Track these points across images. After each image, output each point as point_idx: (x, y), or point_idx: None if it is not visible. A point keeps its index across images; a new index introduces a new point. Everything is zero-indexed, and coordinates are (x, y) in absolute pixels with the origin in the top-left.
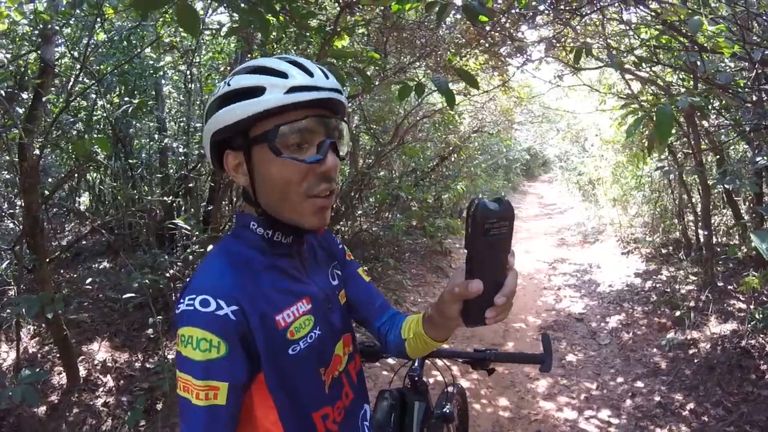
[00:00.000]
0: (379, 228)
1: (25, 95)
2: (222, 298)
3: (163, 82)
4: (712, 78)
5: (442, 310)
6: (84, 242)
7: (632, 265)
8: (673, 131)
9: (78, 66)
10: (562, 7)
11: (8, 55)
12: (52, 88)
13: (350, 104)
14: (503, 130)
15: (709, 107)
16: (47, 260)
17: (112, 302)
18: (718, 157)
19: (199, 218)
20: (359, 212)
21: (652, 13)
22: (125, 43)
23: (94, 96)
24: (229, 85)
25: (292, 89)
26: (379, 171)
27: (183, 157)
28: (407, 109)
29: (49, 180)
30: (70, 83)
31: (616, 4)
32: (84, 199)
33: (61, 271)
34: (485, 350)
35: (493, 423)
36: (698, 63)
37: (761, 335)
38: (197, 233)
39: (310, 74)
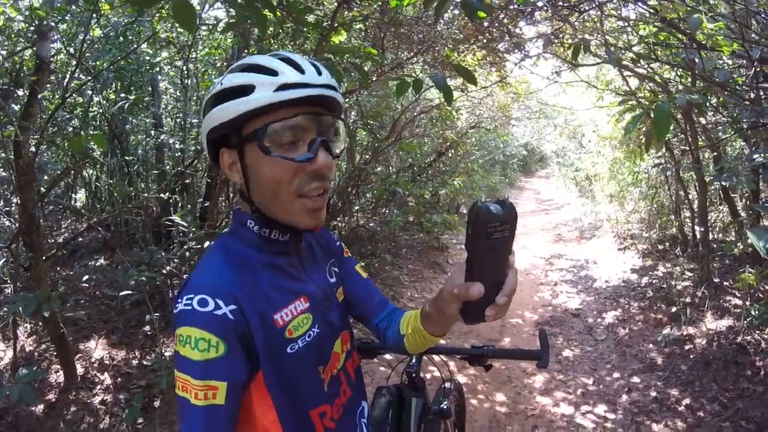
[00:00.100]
0: (376, 224)
1: (20, 92)
2: (220, 297)
3: (159, 78)
4: (710, 75)
5: (442, 309)
6: (80, 239)
7: (629, 261)
8: (671, 128)
9: (74, 62)
10: (560, 3)
11: (4, 52)
12: (48, 85)
13: (347, 100)
14: (500, 126)
15: (707, 104)
16: (43, 258)
17: (109, 299)
18: (715, 154)
19: (195, 215)
20: (356, 208)
21: (651, 10)
22: (121, 39)
23: (90, 92)
24: (222, 83)
25: (282, 87)
26: (376, 167)
27: (179, 154)
28: (404, 105)
29: (45, 177)
30: (66, 80)
31: (615, 1)
32: (80, 196)
33: (58, 268)
34: (482, 346)
35: (490, 418)
36: (696, 60)
37: (757, 332)
38: (194, 230)
39: (302, 71)
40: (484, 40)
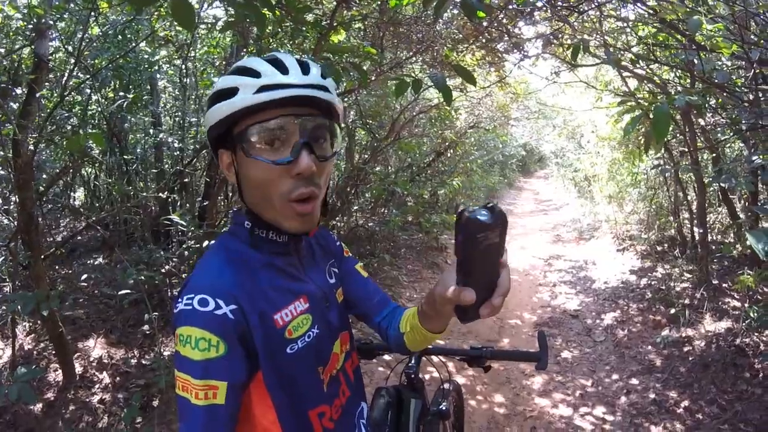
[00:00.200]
0: (374, 223)
1: (18, 90)
2: (221, 297)
3: (158, 76)
4: (710, 77)
5: (436, 309)
6: (79, 238)
7: (627, 262)
8: (670, 129)
9: (72, 60)
10: (559, 3)
11: (2, 50)
12: (47, 83)
13: (346, 99)
14: (499, 126)
15: (706, 106)
16: (42, 257)
17: (108, 298)
18: (714, 155)
19: (194, 214)
20: (355, 208)
21: (650, 11)
22: (120, 37)
23: (88, 91)
24: (215, 86)
25: (262, 88)
26: (375, 166)
27: (178, 153)
28: (403, 105)
29: (44, 176)
30: (65, 78)
31: (614, 1)
32: (79, 195)
33: (56, 267)
34: (482, 348)
35: (489, 419)
36: (695, 61)
37: (755, 334)
38: (192, 229)
39: (285, 71)
40: (483, 40)
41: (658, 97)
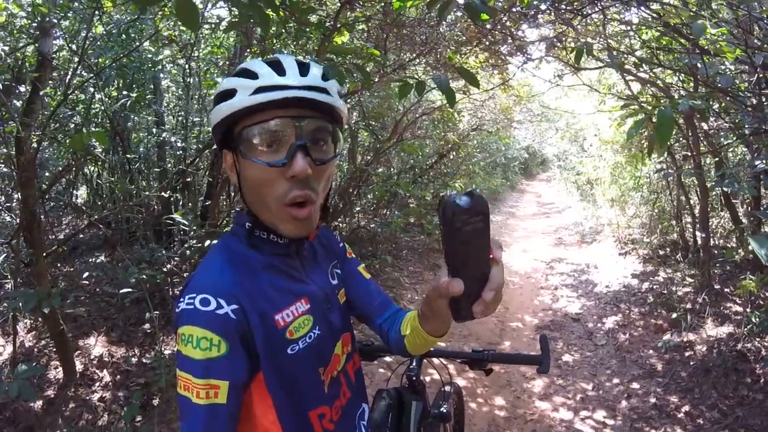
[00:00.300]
0: (376, 225)
1: (22, 88)
2: (222, 296)
3: (161, 75)
4: (713, 81)
5: (432, 308)
6: (81, 236)
7: (629, 266)
8: (673, 133)
9: (76, 59)
10: (563, 6)
11: (6, 48)
12: (50, 81)
13: (349, 101)
14: (502, 129)
15: (709, 110)
16: (44, 254)
17: (109, 297)
18: (716, 159)
19: (196, 213)
20: (357, 209)
21: (654, 15)
22: (124, 36)
23: (92, 89)
24: (219, 87)
25: (258, 90)
26: (378, 168)
27: (181, 152)
28: (406, 106)
29: (47, 174)
30: (68, 76)
31: (618, 5)
32: (81, 193)
33: (58, 265)
34: (483, 351)
35: (489, 422)
36: (699, 65)
37: (757, 339)
38: (195, 228)
39: (282, 73)
40: (487, 43)
41: (662, 101)
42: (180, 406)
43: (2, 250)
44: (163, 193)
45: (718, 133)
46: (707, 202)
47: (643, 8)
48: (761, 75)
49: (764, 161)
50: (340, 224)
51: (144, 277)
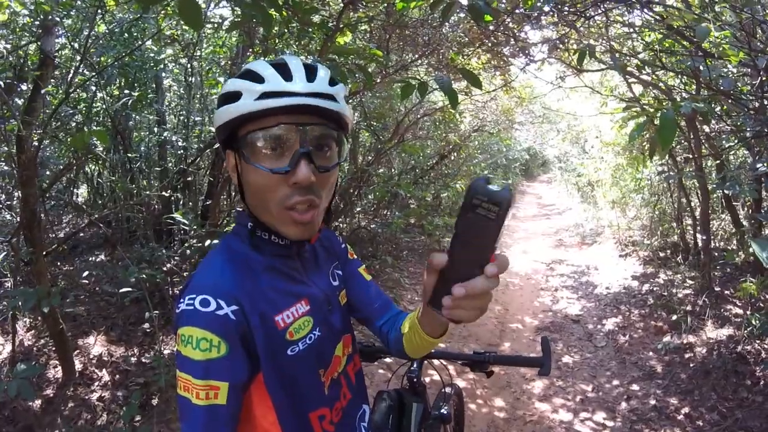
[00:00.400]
0: (377, 225)
1: (24, 86)
2: (222, 297)
3: (163, 75)
4: (715, 84)
5: (425, 289)
6: (81, 235)
7: (630, 267)
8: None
9: (78, 58)
10: (566, 8)
11: (8, 46)
12: (52, 80)
13: (351, 101)
14: (503, 130)
15: (712, 113)
16: (44, 253)
17: (109, 296)
18: (718, 162)
19: (197, 213)
20: (358, 209)
21: (657, 17)
22: (126, 35)
23: (93, 88)
24: (224, 87)
25: (263, 95)
26: (379, 168)
27: (182, 151)
28: (408, 107)
29: (47, 172)
30: (70, 75)
31: (621, 7)
32: (82, 192)
33: (58, 263)
34: (484, 353)
35: (489, 423)
36: (701, 68)
37: (757, 341)
38: (195, 228)
39: (289, 78)
40: (490, 44)
41: (664, 104)
42: (180, 406)
43: (2, 249)
44: (163, 193)
45: (720, 135)
46: (708, 204)
47: (646, 11)
48: (764, 78)
49: (765, 164)
50: (341, 224)
51: (144, 276)
